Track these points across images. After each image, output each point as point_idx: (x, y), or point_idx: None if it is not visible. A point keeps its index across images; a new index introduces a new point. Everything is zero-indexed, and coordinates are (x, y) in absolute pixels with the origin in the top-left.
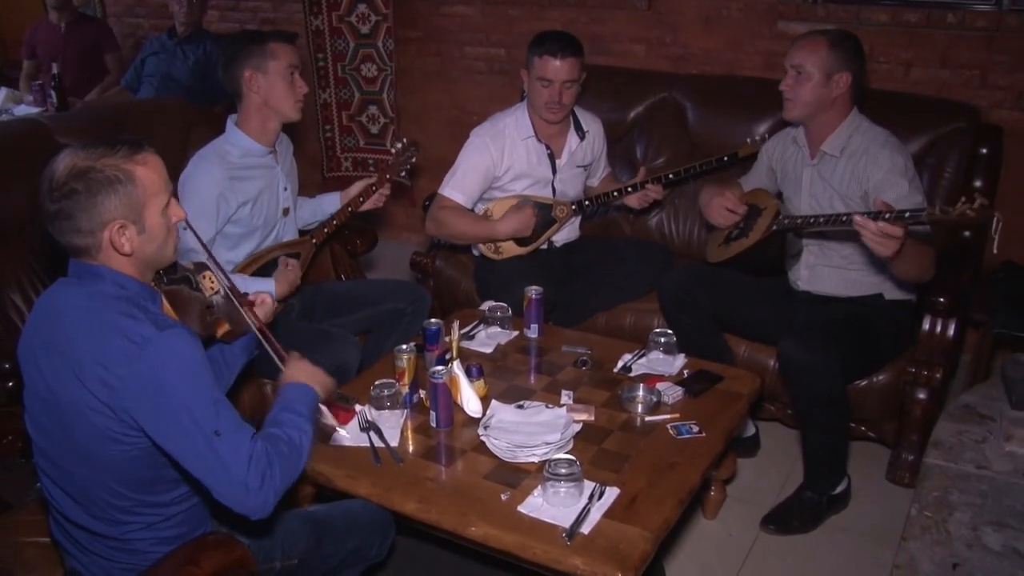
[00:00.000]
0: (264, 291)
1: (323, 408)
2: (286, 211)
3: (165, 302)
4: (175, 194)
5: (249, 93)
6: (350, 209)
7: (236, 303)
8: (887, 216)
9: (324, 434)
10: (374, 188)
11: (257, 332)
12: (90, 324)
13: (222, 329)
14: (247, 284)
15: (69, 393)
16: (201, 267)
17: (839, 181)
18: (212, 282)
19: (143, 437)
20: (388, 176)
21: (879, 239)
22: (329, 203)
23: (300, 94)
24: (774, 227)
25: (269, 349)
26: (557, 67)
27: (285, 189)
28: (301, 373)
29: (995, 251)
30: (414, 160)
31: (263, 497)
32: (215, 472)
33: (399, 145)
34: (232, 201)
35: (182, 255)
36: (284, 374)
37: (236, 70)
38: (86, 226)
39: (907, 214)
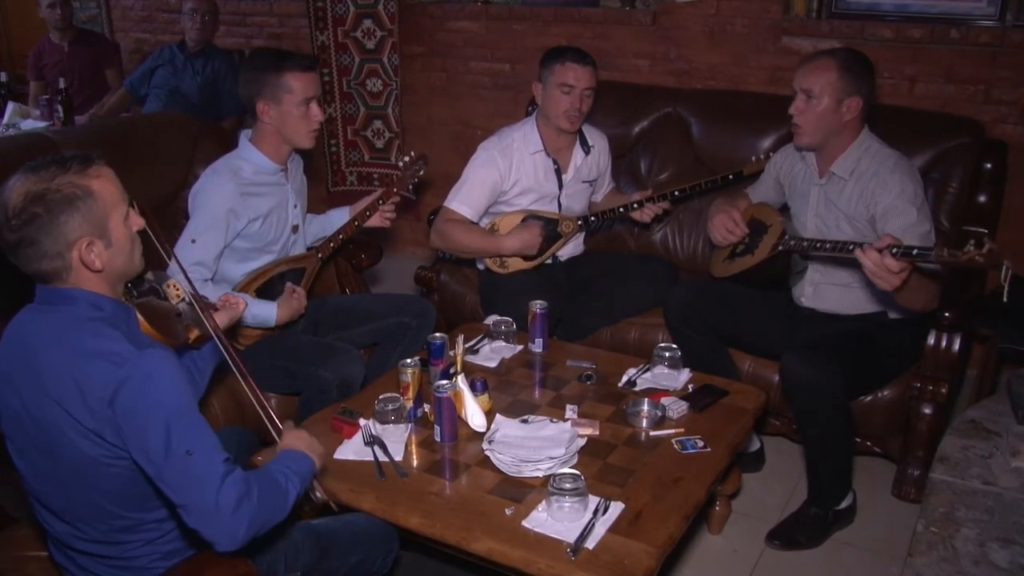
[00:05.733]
0: (249, 315)
1: (315, 482)
2: (295, 228)
3: (140, 317)
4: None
5: (262, 121)
6: (356, 223)
7: (199, 309)
8: (894, 251)
9: (315, 506)
10: (380, 202)
11: (215, 338)
12: (68, 352)
13: (192, 335)
14: (251, 305)
15: (54, 422)
16: (162, 276)
17: (847, 203)
18: (177, 289)
19: (131, 458)
20: (396, 189)
21: (879, 272)
22: (338, 218)
23: (314, 123)
24: (779, 247)
25: (227, 356)
26: (579, 73)
27: (295, 206)
28: (299, 442)
29: (1005, 300)
30: (422, 173)
31: (236, 523)
32: (186, 490)
33: (407, 159)
34: (243, 216)
35: (187, 270)
36: (281, 443)
37: (250, 95)
38: (53, 249)
39: (915, 251)
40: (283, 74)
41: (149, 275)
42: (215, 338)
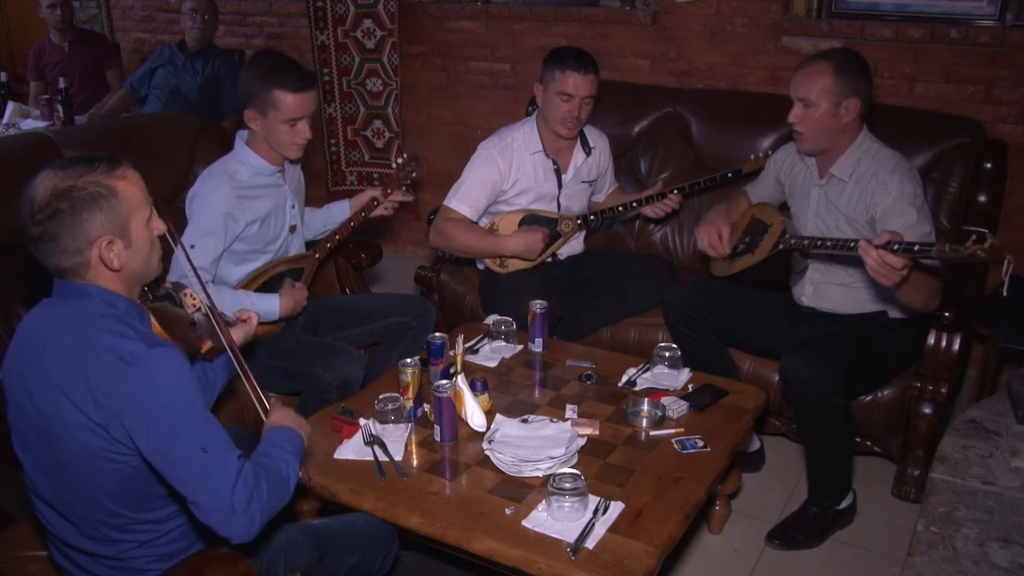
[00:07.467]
0: (253, 311)
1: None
2: (293, 228)
3: (153, 320)
4: (154, 206)
5: (250, 126)
6: (352, 224)
7: (215, 322)
8: (895, 247)
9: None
10: (376, 202)
11: (230, 353)
12: (78, 345)
13: (205, 346)
14: (252, 301)
15: (60, 415)
16: (179, 285)
17: (846, 204)
18: (193, 299)
19: (136, 455)
20: (389, 191)
21: (881, 269)
22: (339, 211)
23: (301, 140)
24: (780, 246)
25: (240, 371)
26: (580, 82)
27: (292, 207)
28: (287, 419)
29: (1004, 294)
30: (415, 175)
31: (248, 519)
32: (202, 490)
33: (399, 160)
34: (240, 219)
35: (185, 275)
36: (269, 419)
37: (243, 98)
38: (73, 245)
39: (916, 247)
40: (273, 90)
41: (167, 283)
42: (228, 352)
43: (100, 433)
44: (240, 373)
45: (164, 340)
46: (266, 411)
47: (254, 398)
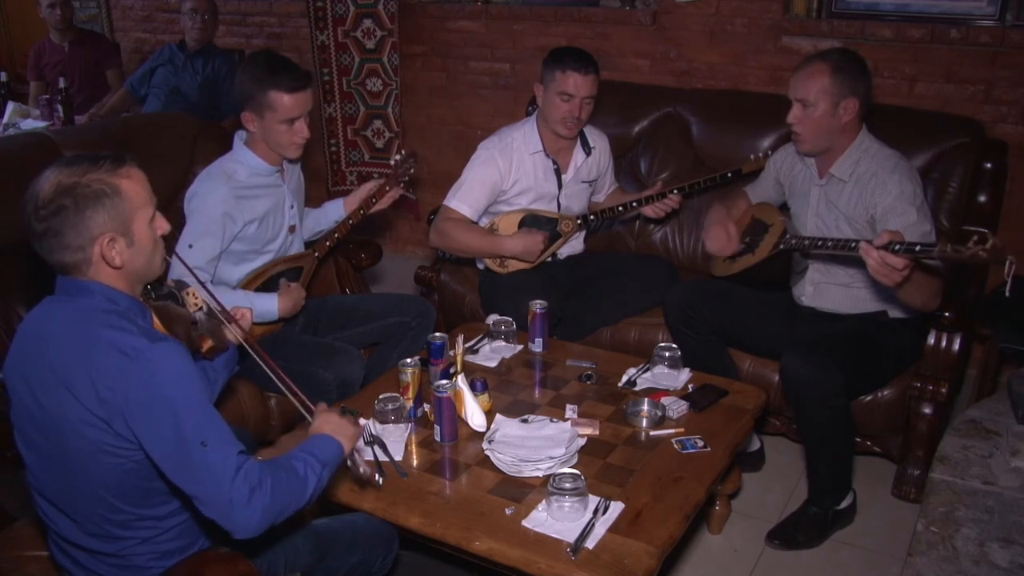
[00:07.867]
0: (246, 307)
1: (357, 457)
2: (292, 228)
3: (155, 318)
4: (158, 207)
5: (247, 128)
6: (351, 222)
7: (222, 320)
8: (896, 248)
9: (361, 481)
10: (374, 200)
11: (248, 347)
12: (81, 340)
13: (206, 345)
14: (250, 300)
15: (63, 410)
16: (182, 284)
17: (846, 204)
18: (196, 298)
19: (138, 449)
20: (387, 188)
21: (882, 269)
22: (333, 211)
23: (299, 139)
24: (780, 246)
25: (259, 360)
26: (580, 82)
27: (291, 207)
28: (327, 425)
29: (1007, 294)
30: (412, 171)
31: (249, 513)
32: (200, 483)
33: (397, 157)
34: (239, 220)
35: (186, 273)
36: (311, 427)
37: (239, 101)
38: (75, 242)
39: (918, 247)
40: (268, 92)
41: (170, 282)
42: (245, 344)
43: (103, 428)
44: (261, 363)
45: (166, 335)
46: (311, 415)
47: (298, 405)
